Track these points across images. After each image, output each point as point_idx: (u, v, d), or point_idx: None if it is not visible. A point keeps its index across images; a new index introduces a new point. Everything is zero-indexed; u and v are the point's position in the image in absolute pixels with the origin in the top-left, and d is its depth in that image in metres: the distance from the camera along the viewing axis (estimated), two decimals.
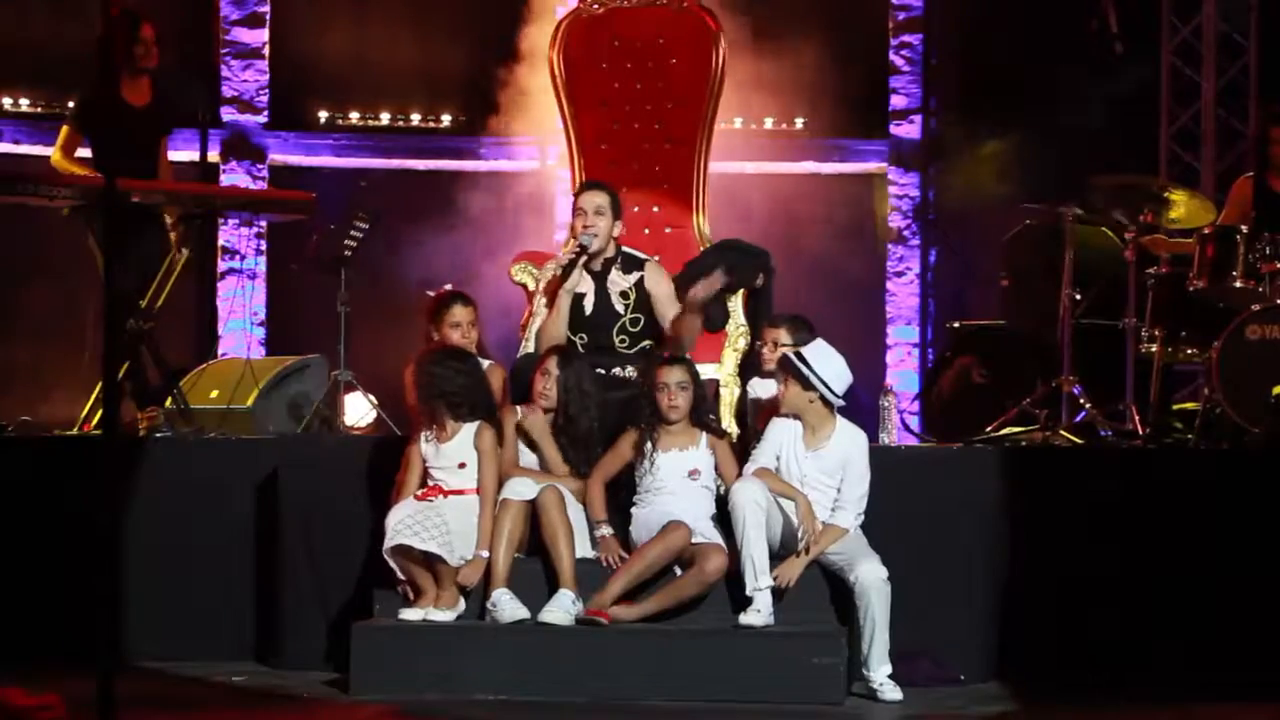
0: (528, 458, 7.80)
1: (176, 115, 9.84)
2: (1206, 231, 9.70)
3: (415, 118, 13.06)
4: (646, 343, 8.18)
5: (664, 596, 7.46)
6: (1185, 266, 9.80)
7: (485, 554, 7.47)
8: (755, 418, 8.35)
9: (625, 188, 8.92)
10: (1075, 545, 7.97)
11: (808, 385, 7.50)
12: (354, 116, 13.10)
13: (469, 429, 7.62)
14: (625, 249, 8.30)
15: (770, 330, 8.12)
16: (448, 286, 8.65)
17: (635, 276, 8.21)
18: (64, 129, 9.60)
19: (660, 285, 8.20)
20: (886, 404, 8.62)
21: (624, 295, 8.19)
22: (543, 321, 8.24)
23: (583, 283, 8.19)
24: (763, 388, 8.38)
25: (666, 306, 8.16)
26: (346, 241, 9.31)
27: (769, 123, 12.98)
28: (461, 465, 7.59)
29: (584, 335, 8.17)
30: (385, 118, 13.06)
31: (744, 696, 7.21)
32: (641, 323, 8.18)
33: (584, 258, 8.13)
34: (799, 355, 7.56)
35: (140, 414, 9.24)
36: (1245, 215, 9.84)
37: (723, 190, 9.76)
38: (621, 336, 8.18)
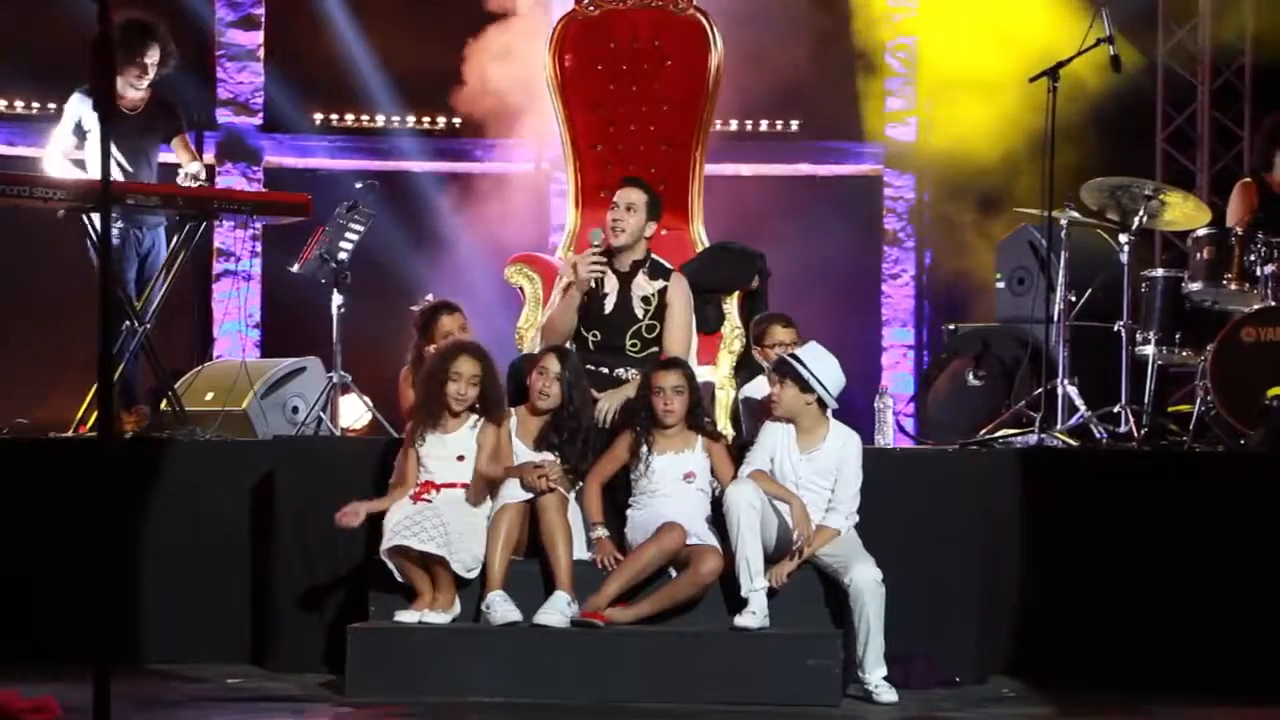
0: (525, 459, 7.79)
1: (173, 125, 9.80)
2: (1201, 234, 9.72)
3: (410, 120, 13.06)
4: (656, 349, 8.15)
5: (659, 598, 7.46)
6: (1180, 269, 9.82)
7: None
8: (749, 420, 8.36)
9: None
10: (1070, 548, 7.98)
11: (806, 388, 7.51)
12: (349, 119, 13.11)
13: (471, 423, 7.62)
14: (655, 256, 8.27)
15: (780, 329, 8.18)
16: (429, 297, 8.66)
17: (660, 285, 8.18)
18: (56, 129, 9.60)
19: (676, 300, 8.16)
20: (882, 406, 8.62)
21: (646, 301, 8.16)
22: (552, 315, 8.20)
23: (606, 281, 8.17)
24: (755, 390, 8.39)
25: (674, 323, 8.13)
26: (342, 243, 9.31)
27: (764, 125, 13.00)
28: (460, 458, 7.60)
29: (598, 333, 8.14)
30: (380, 120, 13.07)
31: (739, 698, 7.21)
32: (657, 330, 8.15)
33: (602, 258, 8.09)
34: (795, 358, 7.57)
35: (125, 415, 9.22)
36: (1246, 217, 9.88)
37: (718, 192, 9.76)
38: (634, 341, 8.15)
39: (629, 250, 8.17)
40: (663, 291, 8.17)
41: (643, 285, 8.18)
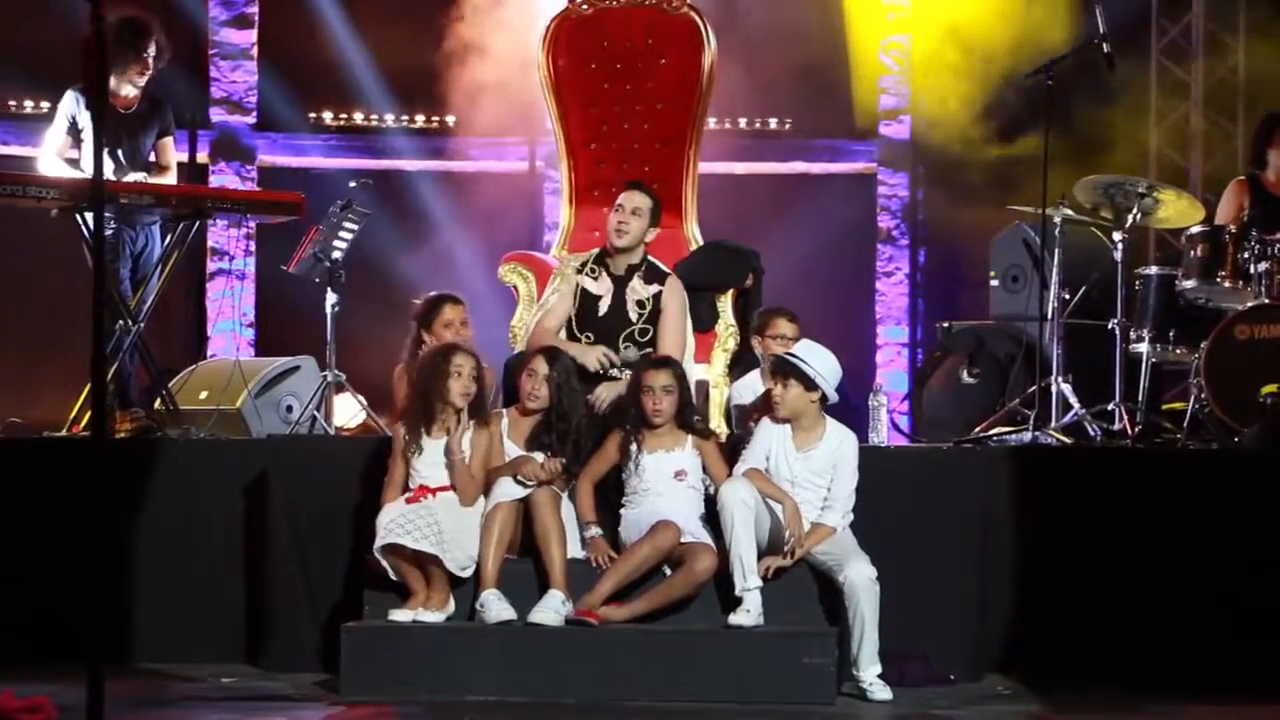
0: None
1: (165, 123, 9.79)
2: (1195, 231, 9.72)
3: (404, 118, 13.06)
4: (650, 352, 8.14)
5: (654, 596, 7.46)
6: (1174, 266, 9.83)
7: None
8: (741, 420, 8.35)
9: (614, 188, 8.92)
10: (1064, 545, 7.97)
11: (811, 385, 7.50)
12: (343, 117, 13.10)
13: (462, 423, 7.61)
14: (650, 259, 8.27)
15: (785, 322, 8.19)
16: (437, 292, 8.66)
17: (655, 289, 8.18)
18: (50, 129, 9.58)
19: (670, 305, 8.16)
20: (876, 404, 8.62)
21: (640, 305, 8.16)
22: (539, 323, 8.18)
23: (601, 283, 8.17)
24: (746, 390, 8.38)
25: (668, 328, 8.12)
26: (336, 242, 9.31)
27: (758, 123, 13.00)
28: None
29: (590, 334, 8.13)
30: (374, 118, 13.06)
31: (733, 697, 7.22)
32: (650, 334, 8.15)
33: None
34: (794, 355, 7.56)
35: (120, 415, 9.21)
36: (1236, 216, 9.89)
37: (712, 190, 9.76)
38: (627, 344, 8.15)
39: (626, 254, 8.17)
40: (657, 296, 8.17)
41: (638, 289, 8.17)
